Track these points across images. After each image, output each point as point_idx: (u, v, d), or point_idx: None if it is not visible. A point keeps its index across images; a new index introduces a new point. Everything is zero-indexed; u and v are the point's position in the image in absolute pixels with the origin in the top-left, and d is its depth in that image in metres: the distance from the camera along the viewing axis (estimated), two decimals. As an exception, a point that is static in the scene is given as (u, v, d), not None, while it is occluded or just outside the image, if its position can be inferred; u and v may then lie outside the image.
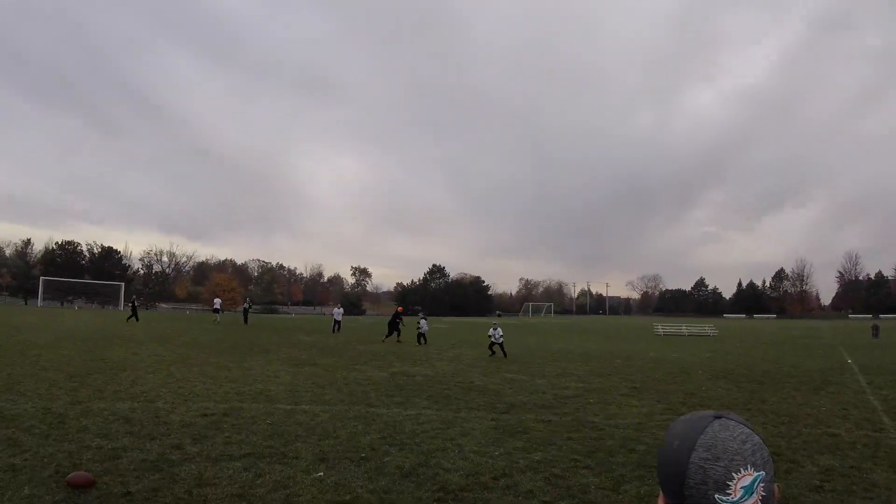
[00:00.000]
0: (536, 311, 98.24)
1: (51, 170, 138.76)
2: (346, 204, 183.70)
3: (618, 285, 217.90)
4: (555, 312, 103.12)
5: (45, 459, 5.57)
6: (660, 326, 42.28)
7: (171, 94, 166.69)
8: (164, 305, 73.77)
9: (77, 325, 27.29)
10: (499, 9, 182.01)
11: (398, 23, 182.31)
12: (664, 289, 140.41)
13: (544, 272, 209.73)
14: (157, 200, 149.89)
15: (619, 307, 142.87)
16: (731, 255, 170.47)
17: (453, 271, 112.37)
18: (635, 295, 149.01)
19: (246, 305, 36.30)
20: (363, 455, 6.10)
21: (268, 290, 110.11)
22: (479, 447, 6.56)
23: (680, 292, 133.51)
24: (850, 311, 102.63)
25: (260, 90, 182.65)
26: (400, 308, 24.68)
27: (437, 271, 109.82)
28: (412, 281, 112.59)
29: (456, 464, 5.87)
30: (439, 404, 9.35)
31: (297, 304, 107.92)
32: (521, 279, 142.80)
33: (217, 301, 34.94)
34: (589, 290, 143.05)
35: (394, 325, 23.12)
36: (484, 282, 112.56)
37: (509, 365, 15.76)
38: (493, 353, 18.06)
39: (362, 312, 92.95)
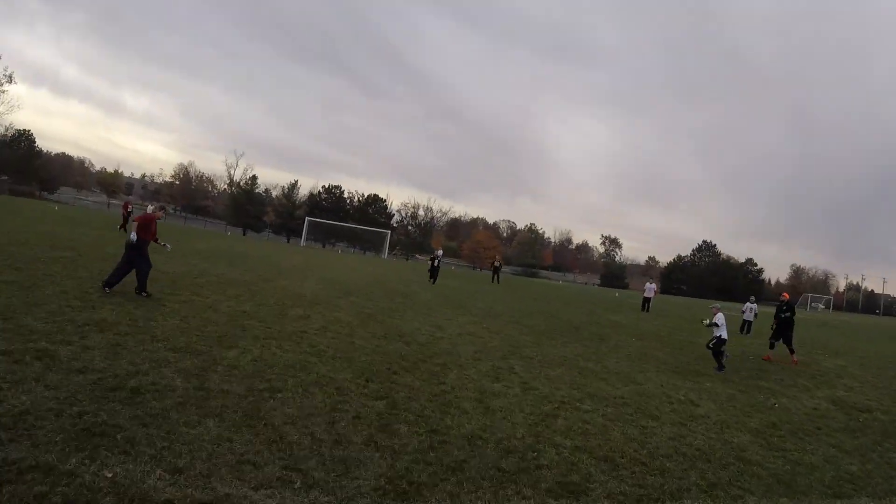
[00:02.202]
0: (811, 303, 78.08)
1: (316, 125, 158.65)
2: (592, 171, 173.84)
3: (892, 282, 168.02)
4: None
5: None
6: None
7: (425, 56, 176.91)
8: (419, 257, 77.37)
9: (346, 273, 23.99)
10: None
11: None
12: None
13: (797, 259, 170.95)
14: (411, 158, 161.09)
15: (892, 306, 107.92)
16: None
17: (699, 249, 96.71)
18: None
19: (439, 253, 28.11)
20: None
21: (527, 251, 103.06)
22: None
23: None
24: None
25: (507, 53, 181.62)
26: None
27: (706, 248, 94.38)
28: (678, 256, 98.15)
29: None
30: None
31: (545, 268, 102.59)
32: (791, 265, 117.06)
33: None
34: (861, 284, 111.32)
35: (784, 330, 13.88)
36: (756, 265, 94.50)
37: None
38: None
39: (625, 286, 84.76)
